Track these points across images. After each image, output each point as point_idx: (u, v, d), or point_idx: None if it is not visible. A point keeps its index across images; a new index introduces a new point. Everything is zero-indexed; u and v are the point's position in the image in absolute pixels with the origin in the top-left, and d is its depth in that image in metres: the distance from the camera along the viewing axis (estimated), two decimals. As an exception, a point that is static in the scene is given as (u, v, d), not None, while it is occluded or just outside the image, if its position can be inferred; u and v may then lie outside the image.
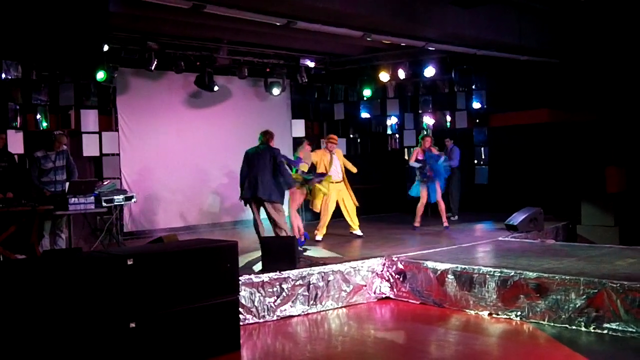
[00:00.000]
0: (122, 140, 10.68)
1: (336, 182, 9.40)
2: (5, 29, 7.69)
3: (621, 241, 10.02)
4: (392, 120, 13.97)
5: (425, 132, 11.08)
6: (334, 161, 9.44)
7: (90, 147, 10.25)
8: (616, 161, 11.16)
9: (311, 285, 6.90)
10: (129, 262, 4.91)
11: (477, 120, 12.76)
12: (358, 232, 9.66)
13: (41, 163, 8.17)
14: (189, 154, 11.37)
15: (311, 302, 6.91)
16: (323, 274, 7.02)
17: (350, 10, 8.31)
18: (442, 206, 10.40)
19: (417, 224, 10.41)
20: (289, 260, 6.89)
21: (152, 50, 10.15)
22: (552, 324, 6.07)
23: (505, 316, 6.44)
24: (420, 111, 13.48)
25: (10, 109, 9.30)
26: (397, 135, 14.05)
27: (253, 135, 8.52)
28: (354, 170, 9.79)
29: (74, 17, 7.01)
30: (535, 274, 6.32)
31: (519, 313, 6.34)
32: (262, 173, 7.75)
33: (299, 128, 13.12)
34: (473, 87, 12.67)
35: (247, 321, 6.33)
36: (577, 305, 5.92)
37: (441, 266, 7.06)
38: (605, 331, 5.71)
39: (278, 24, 8.38)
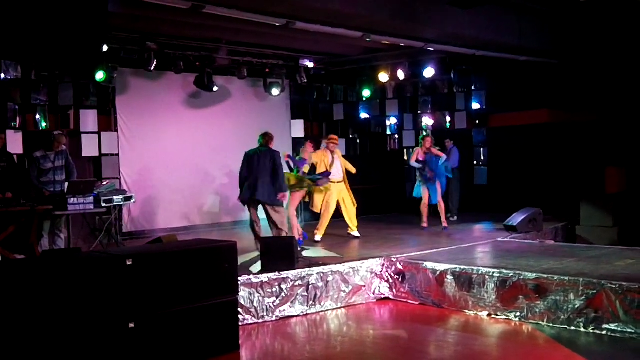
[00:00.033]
0: (122, 140, 10.68)
1: (337, 182, 9.42)
2: (5, 29, 7.67)
3: (620, 242, 10.03)
4: (391, 121, 13.98)
5: (425, 133, 11.09)
6: (335, 161, 9.46)
7: (89, 147, 10.25)
8: (616, 162, 11.17)
9: (310, 286, 6.90)
10: (128, 263, 4.91)
11: (477, 121, 12.77)
12: (356, 233, 9.66)
13: (40, 163, 8.17)
14: (188, 154, 11.36)
15: (310, 303, 6.91)
16: (322, 274, 7.02)
17: (349, 10, 8.31)
18: (442, 207, 10.42)
19: (424, 225, 10.44)
20: (288, 261, 6.89)
21: (152, 50, 10.15)
22: (551, 324, 6.07)
23: (504, 317, 6.44)
24: (419, 112, 13.50)
25: (10, 109, 9.31)
26: (396, 136, 14.06)
27: (252, 136, 8.52)
28: (354, 170, 9.80)
29: (73, 17, 7.00)
30: (534, 274, 6.32)
31: (518, 314, 6.35)
32: (263, 175, 7.79)
33: (298, 128, 13.11)
34: (472, 87, 12.68)
35: (246, 321, 6.33)
36: (576, 306, 5.93)
37: (440, 267, 7.06)
38: (604, 332, 5.72)
39: (277, 24, 8.38)
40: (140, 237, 10.32)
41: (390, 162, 14.11)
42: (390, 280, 7.52)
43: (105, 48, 9.06)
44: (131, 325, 4.87)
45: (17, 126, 9.37)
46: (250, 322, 6.40)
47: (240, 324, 5.88)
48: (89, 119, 10.26)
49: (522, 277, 6.36)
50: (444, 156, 10.53)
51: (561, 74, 11.53)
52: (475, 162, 13.03)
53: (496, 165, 12.71)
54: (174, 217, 11.18)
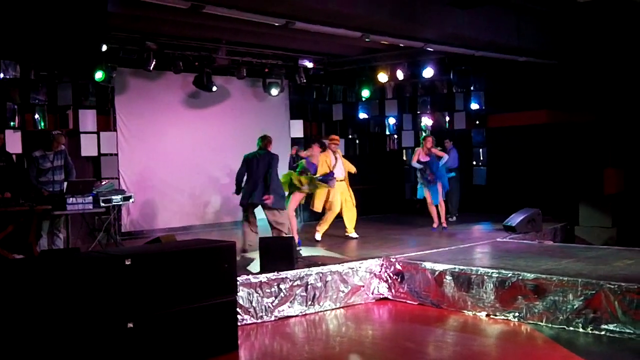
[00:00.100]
0: (121, 140, 10.68)
1: (340, 181, 9.45)
2: (4, 28, 7.67)
3: (619, 242, 10.04)
4: (390, 121, 13.98)
5: (426, 133, 11.08)
6: (337, 161, 9.49)
7: (88, 147, 10.25)
8: (614, 162, 11.17)
9: (309, 286, 6.90)
10: (127, 262, 4.91)
11: (476, 121, 12.77)
12: (353, 234, 9.66)
13: (39, 163, 8.16)
14: (187, 154, 11.36)
15: (309, 303, 6.90)
16: (321, 274, 7.02)
17: (348, 10, 8.32)
18: (442, 207, 10.43)
19: (435, 225, 10.44)
20: (287, 261, 6.89)
21: (151, 50, 10.15)
22: (549, 325, 6.07)
23: (503, 317, 6.44)
24: (418, 112, 13.49)
25: (9, 109, 9.31)
26: (395, 136, 14.06)
27: (251, 136, 8.51)
28: (354, 170, 9.80)
29: (72, 17, 7.00)
30: (533, 275, 6.32)
31: (516, 314, 6.35)
32: (262, 179, 7.80)
33: (297, 128, 13.12)
34: (471, 88, 12.68)
35: (245, 321, 6.33)
36: (575, 307, 5.93)
37: (439, 267, 7.06)
38: (603, 332, 5.72)
39: (277, 24, 8.39)
40: (139, 237, 10.31)
41: (390, 163, 14.10)
42: (389, 281, 7.52)
43: (104, 48, 9.06)
44: (130, 325, 4.87)
45: (16, 126, 9.36)
46: (249, 322, 6.39)
47: (239, 324, 5.88)
48: (88, 119, 10.26)
49: (521, 277, 6.36)
50: (445, 156, 10.53)
51: (560, 75, 11.54)
52: (474, 163, 13.03)
53: (495, 166, 12.72)
54: (172, 217, 11.17)
